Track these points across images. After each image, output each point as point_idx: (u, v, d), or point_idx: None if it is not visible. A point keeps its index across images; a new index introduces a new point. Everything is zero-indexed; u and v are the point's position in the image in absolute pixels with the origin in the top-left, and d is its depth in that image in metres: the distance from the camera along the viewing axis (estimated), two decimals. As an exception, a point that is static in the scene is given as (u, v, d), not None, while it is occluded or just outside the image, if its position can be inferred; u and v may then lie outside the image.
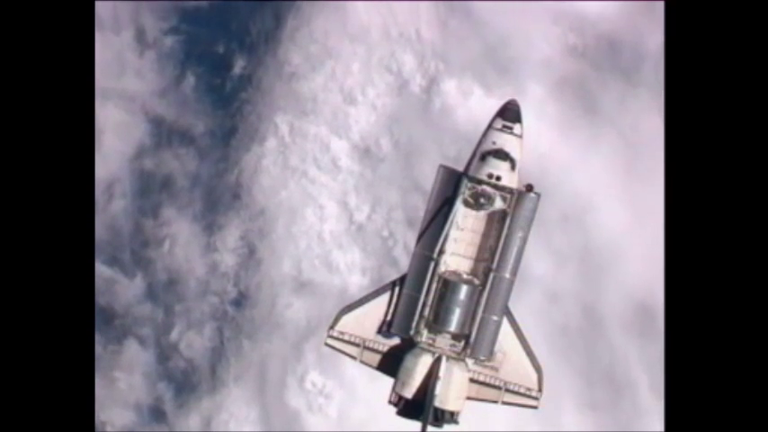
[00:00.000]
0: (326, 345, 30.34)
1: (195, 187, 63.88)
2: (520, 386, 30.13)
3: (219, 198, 64.16)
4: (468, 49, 61.47)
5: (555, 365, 53.45)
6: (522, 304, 31.72)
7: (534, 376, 30.19)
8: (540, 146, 53.17)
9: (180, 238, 63.60)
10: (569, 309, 59.26)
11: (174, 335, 63.13)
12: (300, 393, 61.64)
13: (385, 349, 30.29)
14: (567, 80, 59.90)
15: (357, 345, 30.25)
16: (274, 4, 63.80)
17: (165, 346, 63.11)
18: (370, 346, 30.27)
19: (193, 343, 63.09)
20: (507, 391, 30.16)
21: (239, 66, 64.20)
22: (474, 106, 58.71)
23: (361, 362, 30.38)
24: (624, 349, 59.72)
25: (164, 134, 63.57)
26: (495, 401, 30.25)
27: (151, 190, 63.67)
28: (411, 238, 61.22)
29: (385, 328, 30.03)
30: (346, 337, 30.25)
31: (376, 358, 30.41)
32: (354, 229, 62.94)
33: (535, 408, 30.32)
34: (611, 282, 59.42)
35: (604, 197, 59.23)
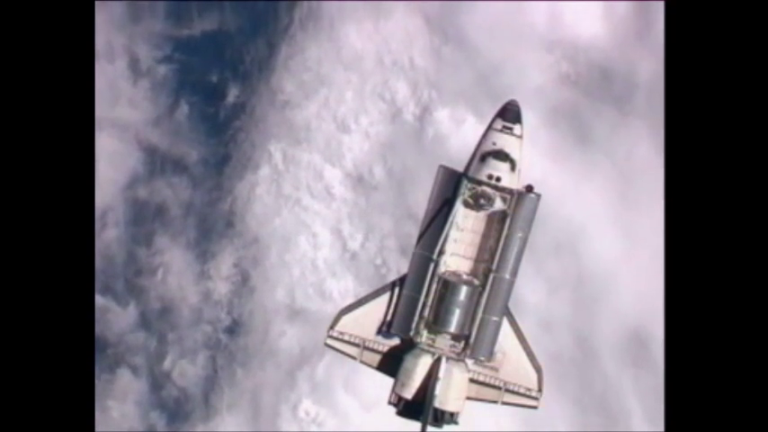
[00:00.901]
0: (326, 345, 30.06)
1: (188, 215, 63.96)
2: (520, 386, 29.83)
3: (213, 226, 64.24)
4: (461, 77, 61.63)
5: (548, 394, 53.45)
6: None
7: (534, 376, 29.90)
8: (533, 174, 53.10)
9: (173, 267, 63.60)
10: (562, 337, 59.18)
11: (166, 363, 63.04)
12: (294, 422, 61.53)
13: (385, 349, 30.02)
14: (560, 108, 59.99)
15: (357, 345, 29.94)
16: (268, 34, 63.96)
17: (157, 374, 63.03)
18: (370, 346, 29.98)
19: (186, 371, 62.98)
20: (507, 391, 29.90)
21: (233, 94, 64.40)
22: (467, 134, 58.65)
23: (361, 362, 30.08)
24: (618, 378, 59.70)
25: (157, 163, 63.73)
26: (495, 401, 30.02)
27: (144, 218, 63.77)
28: (404, 266, 61.27)
29: (385, 329, 29.77)
30: (346, 338, 29.95)
31: (376, 358, 30.12)
32: (348, 257, 62.97)
33: (535, 408, 30.07)
34: (604, 310, 59.43)
35: (597, 225, 59.32)
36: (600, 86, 61.04)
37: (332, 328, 30.01)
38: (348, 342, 30.00)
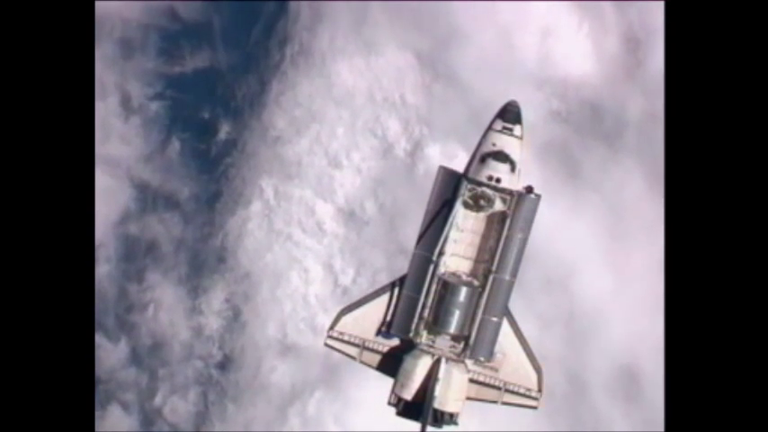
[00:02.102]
0: (326, 345, 30.03)
1: (180, 251, 63.94)
2: (519, 386, 29.79)
3: (204, 261, 64.20)
4: (452, 113, 61.71)
5: (540, 429, 53.58)
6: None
7: (534, 377, 29.90)
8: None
9: (164, 302, 63.53)
10: (553, 373, 58.89)
11: (157, 400, 62.86)
12: (286, 457, 61.52)
13: (385, 350, 29.99)
14: (550, 145, 60.07)
15: (357, 345, 29.91)
16: (259, 70, 64.20)
17: (148, 411, 62.84)
18: (370, 346, 29.95)
19: (177, 408, 62.80)
20: (507, 391, 29.86)
21: (224, 131, 64.49)
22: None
23: (361, 362, 30.04)
24: (609, 413, 59.61)
25: (149, 199, 63.79)
26: (495, 402, 29.98)
27: (136, 254, 63.77)
28: (395, 302, 61.42)
29: (384, 329, 29.74)
30: (346, 338, 29.91)
31: (376, 359, 30.09)
32: (339, 293, 62.90)
33: (535, 408, 30.01)
34: (595, 346, 59.39)
35: (588, 261, 59.37)
36: (590, 123, 61.29)
37: (332, 328, 30.02)
38: (348, 342, 29.97)
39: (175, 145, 64.16)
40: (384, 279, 60.70)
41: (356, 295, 61.68)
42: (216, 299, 63.80)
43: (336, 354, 55.73)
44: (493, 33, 60.96)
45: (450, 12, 60.98)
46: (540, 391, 29.93)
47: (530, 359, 29.93)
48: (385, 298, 29.72)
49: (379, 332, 29.87)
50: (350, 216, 63.31)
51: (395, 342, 29.96)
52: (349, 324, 29.97)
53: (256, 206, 63.63)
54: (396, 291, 29.60)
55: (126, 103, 63.43)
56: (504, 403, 30.02)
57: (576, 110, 61.57)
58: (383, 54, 62.93)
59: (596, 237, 59.45)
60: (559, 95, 61.35)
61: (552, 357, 59.20)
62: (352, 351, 30.00)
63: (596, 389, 59.77)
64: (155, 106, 64.23)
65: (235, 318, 63.67)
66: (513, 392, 29.89)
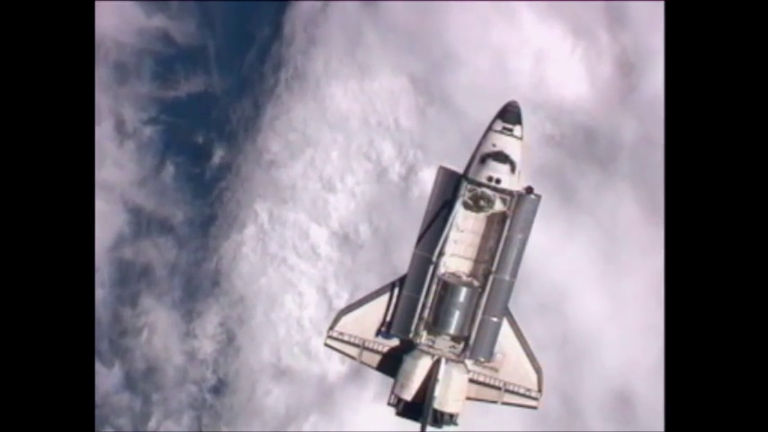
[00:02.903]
0: (326, 345, 30.12)
1: (174, 275, 63.83)
2: (519, 387, 30.08)
3: (198, 285, 64.14)
4: (446, 137, 61.66)
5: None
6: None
7: (534, 377, 30.20)
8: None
9: (158, 327, 63.42)
10: (548, 397, 58.88)
11: (151, 424, 62.70)
12: (280, 481, 61.39)
13: (385, 350, 30.13)
14: (544, 169, 59.98)
15: (357, 345, 30.08)
16: (254, 94, 64.30)
17: (142, 435, 62.73)
18: (370, 346, 30.10)
19: (172, 432, 62.72)
20: (507, 391, 30.10)
21: (218, 155, 64.48)
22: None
23: (361, 362, 30.20)
24: (603, 438, 59.64)
25: (143, 223, 63.70)
26: (495, 402, 30.14)
27: (130, 279, 63.61)
28: (390, 326, 61.48)
29: (384, 330, 29.86)
30: (346, 338, 30.07)
31: (375, 358, 30.25)
32: (333, 317, 62.77)
33: (534, 408, 30.29)
34: (589, 370, 59.34)
35: (582, 286, 59.37)
36: (584, 147, 61.35)
37: (331, 328, 30.18)
38: (348, 342, 30.14)
39: (170, 169, 64.17)
40: (378, 303, 61.39)
41: (350, 319, 62.28)
42: (210, 323, 63.70)
43: (331, 377, 55.88)
44: (487, 57, 61.10)
45: (443, 36, 61.18)
46: (540, 390, 30.31)
47: (530, 359, 30.23)
48: (385, 298, 29.94)
49: (378, 332, 30.03)
50: (344, 240, 63.31)
51: (395, 342, 30.10)
52: (349, 324, 30.17)
53: (251, 230, 63.63)
54: (395, 291, 29.77)
55: (120, 128, 63.42)
56: (504, 403, 30.25)
57: (569, 134, 61.67)
58: (377, 78, 63.04)
59: (591, 261, 59.50)
60: (553, 119, 61.42)
61: (547, 381, 58.97)
62: (352, 351, 30.19)
63: (591, 413, 59.71)
64: (149, 131, 64.23)
65: (229, 342, 63.56)
66: (513, 392, 30.17)
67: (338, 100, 63.29)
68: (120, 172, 62.98)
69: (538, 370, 30.24)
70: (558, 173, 60.86)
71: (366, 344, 30.09)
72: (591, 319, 58.94)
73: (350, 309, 30.37)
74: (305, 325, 62.97)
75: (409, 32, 61.95)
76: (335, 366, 61.47)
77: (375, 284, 60.92)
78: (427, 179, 61.93)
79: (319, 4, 63.79)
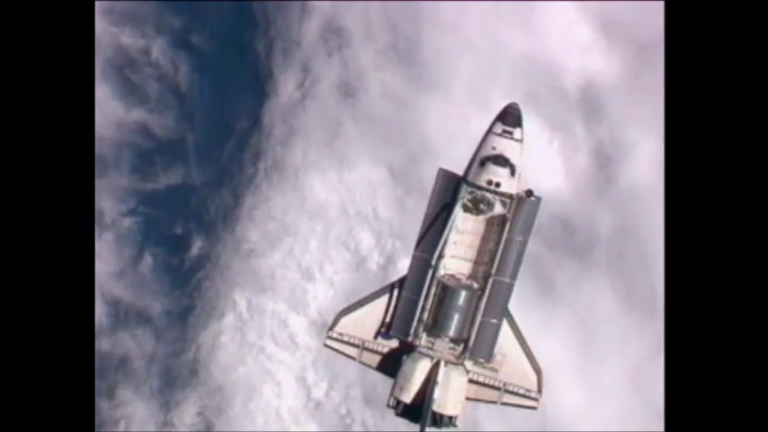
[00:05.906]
0: (326, 346, 30.28)
1: (152, 366, 63.59)
2: (519, 387, 30.22)
3: (176, 375, 63.84)
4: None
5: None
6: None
7: (534, 378, 30.34)
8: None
9: (136, 418, 63.08)
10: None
11: None
12: None
13: (384, 350, 30.25)
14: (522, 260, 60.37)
15: (356, 346, 30.23)
16: (233, 184, 64.50)
17: None
18: (370, 347, 30.23)
19: None
20: (507, 392, 30.23)
21: (197, 245, 64.53)
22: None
23: (361, 363, 30.34)
24: None
25: (120, 315, 63.60)
26: (495, 402, 30.24)
27: (107, 371, 63.28)
28: (369, 416, 61.38)
29: (384, 331, 30.00)
30: (345, 338, 30.21)
31: (375, 359, 30.36)
32: (312, 406, 62.71)
33: (534, 408, 30.43)
34: (568, 461, 59.25)
35: (560, 377, 59.24)
36: (561, 238, 61.62)
37: (331, 329, 30.43)
38: (347, 343, 30.33)
39: (148, 261, 64.20)
40: (357, 393, 61.43)
41: (329, 409, 62.05)
42: (188, 413, 63.38)
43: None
44: (464, 148, 61.28)
45: (421, 127, 61.70)
46: (539, 391, 30.53)
47: (529, 360, 30.50)
48: (384, 299, 30.22)
49: (378, 334, 30.24)
50: (323, 329, 63.11)
51: (394, 343, 30.28)
52: (348, 325, 30.41)
53: (229, 319, 63.58)
54: (395, 292, 30.14)
55: (99, 220, 63.35)
56: (504, 404, 30.44)
57: (546, 224, 61.94)
58: (356, 168, 63.45)
59: (568, 352, 59.49)
60: (531, 211, 61.64)
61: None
62: (352, 351, 30.41)
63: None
64: (127, 222, 64.34)
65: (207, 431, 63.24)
66: (512, 393, 30.39)
67: (317, 190, 63.64)
68: (98, 264, 62.74)
69: (537, 371, 30.49)
70: (536, 263, 61.07)
71: (366, 344, 30.31)
72: (568, 410, 58.81)
73: (349, 309, 30.59)
74: (283, 415, 62.77)
75: (387, 124, 62.54)
76: (313, 455, 61.47)
77: (354, 374, 61.72)
78: (406, 268, 62.15)
79: (298, 95, 64.29)
